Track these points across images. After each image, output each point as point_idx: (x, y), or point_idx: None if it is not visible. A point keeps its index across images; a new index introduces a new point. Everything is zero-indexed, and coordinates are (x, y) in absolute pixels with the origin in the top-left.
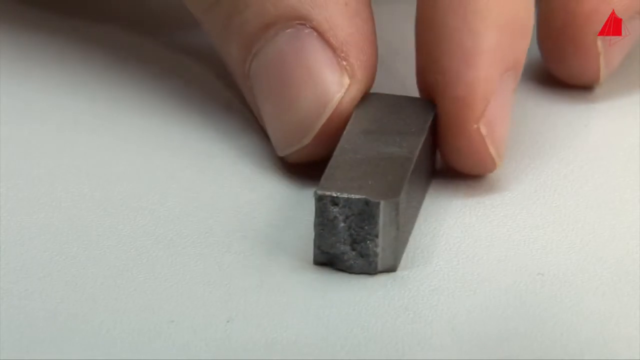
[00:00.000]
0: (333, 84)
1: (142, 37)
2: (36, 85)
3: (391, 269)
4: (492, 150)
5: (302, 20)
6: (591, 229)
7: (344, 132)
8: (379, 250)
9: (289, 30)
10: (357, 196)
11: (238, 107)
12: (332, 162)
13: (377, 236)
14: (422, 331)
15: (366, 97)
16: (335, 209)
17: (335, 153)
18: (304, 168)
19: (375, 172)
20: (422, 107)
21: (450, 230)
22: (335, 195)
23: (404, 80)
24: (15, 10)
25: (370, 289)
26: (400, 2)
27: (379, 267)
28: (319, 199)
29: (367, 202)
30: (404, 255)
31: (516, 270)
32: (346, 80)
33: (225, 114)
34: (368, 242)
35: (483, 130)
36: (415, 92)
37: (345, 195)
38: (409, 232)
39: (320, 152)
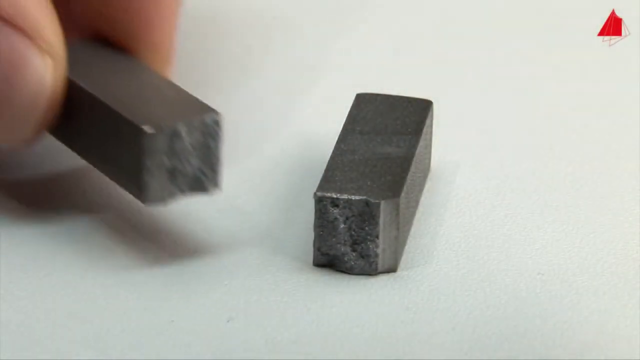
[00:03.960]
0: (39, 70)
1: None
2: None
3: (391, 269)
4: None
5: None
6: (591, 229)
7: (341, 133)
8: (379, 250)
9: None
10: (358, 197)
11: (238, 109)
12: (330, 163)
13: (377, 237)
14: (422, 331)
15: (362, 98)
16: (336, 210)
17: (333, 154)
18: (303, 169)
19: (374, 173)
20: (417, 106)
21: (450, 231)
22: (335, 196)
23: (400, 81)
24: None
25: (370, 289)
26: (400, 3)
27: (380, 268)
28: (319, 201)
29: (367, 203)
30: (404, 255)
31: (516, 270)
32: (49, 62)
33: (226, 114)
34: (369, 242)
35: (168, 71)
36: (411, 92)
37: (345, 197)
38: (408, 232)
39: (40, 136)
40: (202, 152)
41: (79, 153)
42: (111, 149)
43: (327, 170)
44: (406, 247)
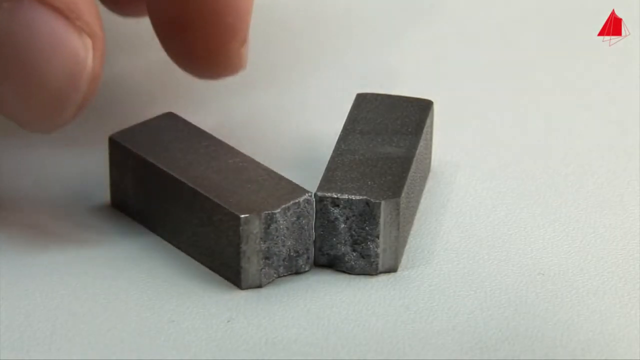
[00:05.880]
0: (78, 50)
1: None
2: None
3: (392, 269)
4: (245, 60)
5: None
6: (591, 229)
7: (341, 133)
8: (380, 250)
9: (5, 5)
10: (358, 197)
11: (238, 109)
12: (330, 163)
13: (378, 237)
14: (422, 331)
15: (362, 98)
16: (336, 210)
17: (333, 154)
18: (303, 169)
19: (374, 173)
20: (417, 106)
21: (450, 231)
22: (335, 196)
23: (400, 81)
24: None
25: (370, 289)
26: (400, 3)
27: (380, 268)
28: (320, 201)
29: (368, 203)
30: (405, 255)
31: (516, 270)
32: (88, 41)
33: (226, 114)
34: (369, 242)
35: (243, 50)
36: (411, 92)
37: (345, 196)
38: (408, 232)
39: (77, 116)
40: (295, 232)
41: (168, 239)
42: (204, 235)
43: (327, 170)
44: (406, 247)
